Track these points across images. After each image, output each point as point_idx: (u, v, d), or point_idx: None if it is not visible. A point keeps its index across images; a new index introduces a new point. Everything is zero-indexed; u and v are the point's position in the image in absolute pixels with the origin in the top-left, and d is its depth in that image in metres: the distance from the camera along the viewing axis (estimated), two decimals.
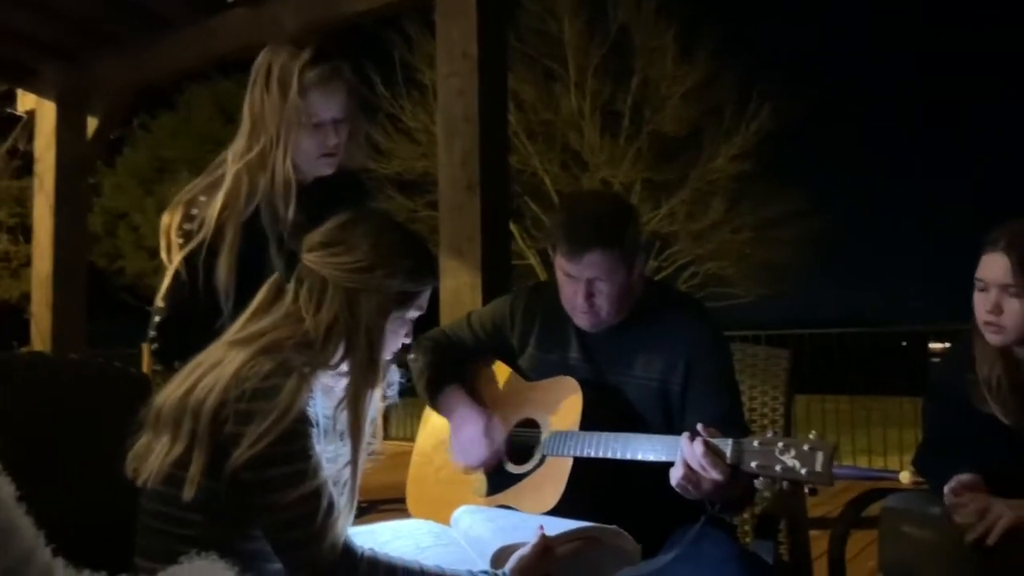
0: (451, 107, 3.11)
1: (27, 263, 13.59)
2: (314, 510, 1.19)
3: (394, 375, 1.61)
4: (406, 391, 1.82)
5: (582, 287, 1.67)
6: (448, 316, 2.83)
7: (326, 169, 1.85)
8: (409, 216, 17.33)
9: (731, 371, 1.75)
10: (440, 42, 3.18)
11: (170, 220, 1.80)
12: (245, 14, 3.79)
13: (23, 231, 12.76)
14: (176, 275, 1.74)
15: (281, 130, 1.76)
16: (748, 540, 1.94)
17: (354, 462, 1.32)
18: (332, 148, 1.81)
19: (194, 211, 1.79)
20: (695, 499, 1.46)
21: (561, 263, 1.69)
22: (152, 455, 1.26)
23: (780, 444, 1.38)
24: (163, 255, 1.81)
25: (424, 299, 1.44)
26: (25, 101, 4.92)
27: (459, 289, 3.04)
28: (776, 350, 2.11)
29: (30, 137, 5.06)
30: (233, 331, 1.35)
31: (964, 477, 1.62)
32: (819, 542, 1.93)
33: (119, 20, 4.20)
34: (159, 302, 1.77)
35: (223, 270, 1.72)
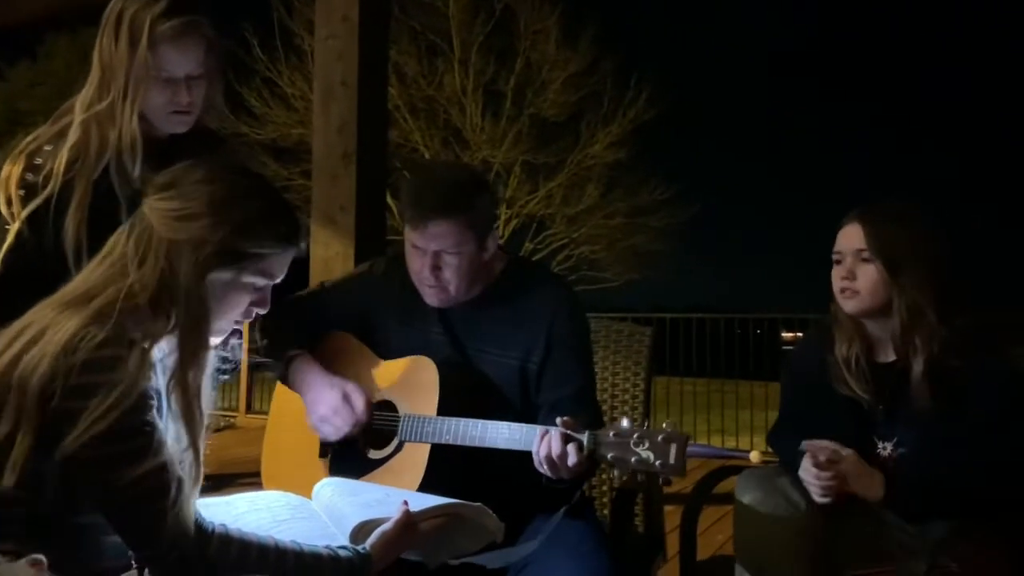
0: (329, 71, 3.02)
1: None
2: (158, 488, 1.12)
3: (235, 348, 1.53)
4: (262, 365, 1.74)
5: (428, 259, 1.62)
6: None
7: (179, 127, 1.74)
8: (283, 185, 16.82)
9: (588, 350, 1.76)
10: (319, 3, 3.08)
11: (10, 170, 1.66)
12: None
13: None
14: (19, 233, 1.61)
15: (129, 83, 1.64)
16: (606, 512, 2.00)
17: (193, 444, 1.21)
18: (185, 106, 1.70)
19: (38, 160, 1.66)
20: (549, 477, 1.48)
21: (408, 234, 1.64)
22: None
23: (635, 436, 1.41)
24: (2, 209, 1.67)
25: (273, 265, 1.30)
26: None
27: (330, 259, 2.98)
28: (639, 327, 2.15)
29: None
30: (66, 289, 1.24)
31: (819, 441, 1.69)
32: (673, 516, 2.00)
33: None
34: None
35: (71, 229, 1.60)
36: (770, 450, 1.92)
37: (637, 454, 1.40)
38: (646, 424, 1.47)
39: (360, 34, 2.95)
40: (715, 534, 3.32)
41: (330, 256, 2.99)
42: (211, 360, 1.30)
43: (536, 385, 1.68)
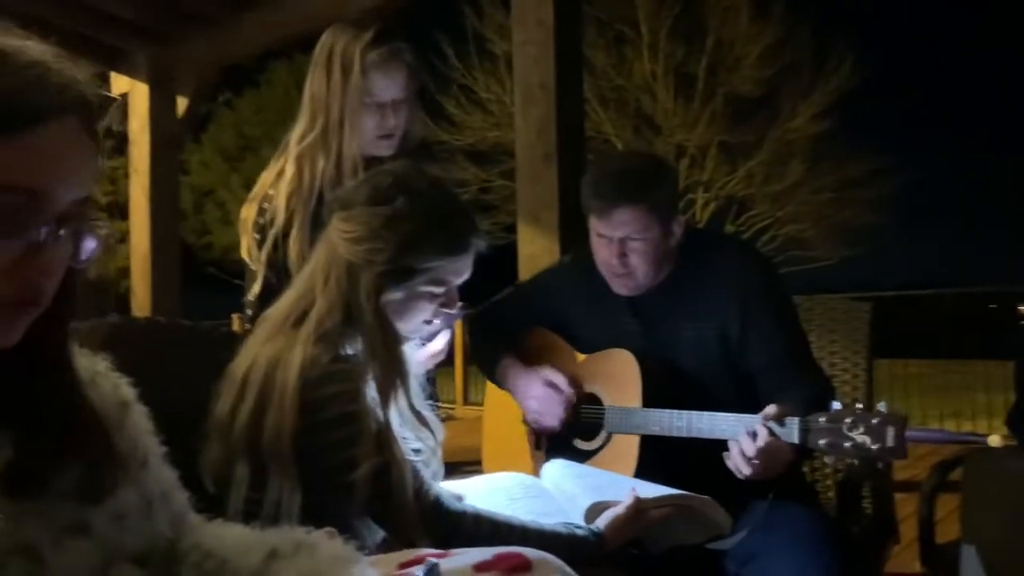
0: (527, 75, 3.12)
1: (121, 240, 14.21)
2: (399, 481, 1.22)
3: (439, 343, 1.62)
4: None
5: (615, 247, 1.63)
6: None
7: (385, 151, 1.85)
8: (482, 186, 17.43)
9: (787, 304, 1.71)
10: (515, 10, 3.18)
11: (247, 215, 1.87)
12: None
13: (116, 209, 13.31)
14: (265, 280, 1.79)
15: (345, 111, 1.78)
16: (830, 495, 1.94)
17: (425, 439, 1.33)
18: (391, 129, 1.83)
19: (265, 205, 1.84)
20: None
21: (593, 223, 1.66)
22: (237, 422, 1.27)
23: (848, 420, 1.36)
24: (243, 254, 1.86)
25: (445, 273, 1.34)
26: (119, 83, 5.12)
27: (536, 256, 3.08)
28: (857, 304, 2.04)
29: (122, 117, 5.27)
30: (277, 311, 1.36)
31: None
32: (905, 504, 1.92)
33: (206, 1, 4.33)
34: (251, 301, 1.82)
35: (292, 256, 1.76)
36: (1010, 433, 1.79)
37: (852, 439, 1.36)
38: (859, 407, 1.42)
39: (555, 37, 3.03)
40: (952, 523, 3.10)
41: (536, 252, 3.09)
42: (414, 362, 1.38)
43: (741, 351, 1.64)
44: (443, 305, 1.38)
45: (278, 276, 1.77)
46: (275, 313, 1.37)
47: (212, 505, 1.06)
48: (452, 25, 16.92)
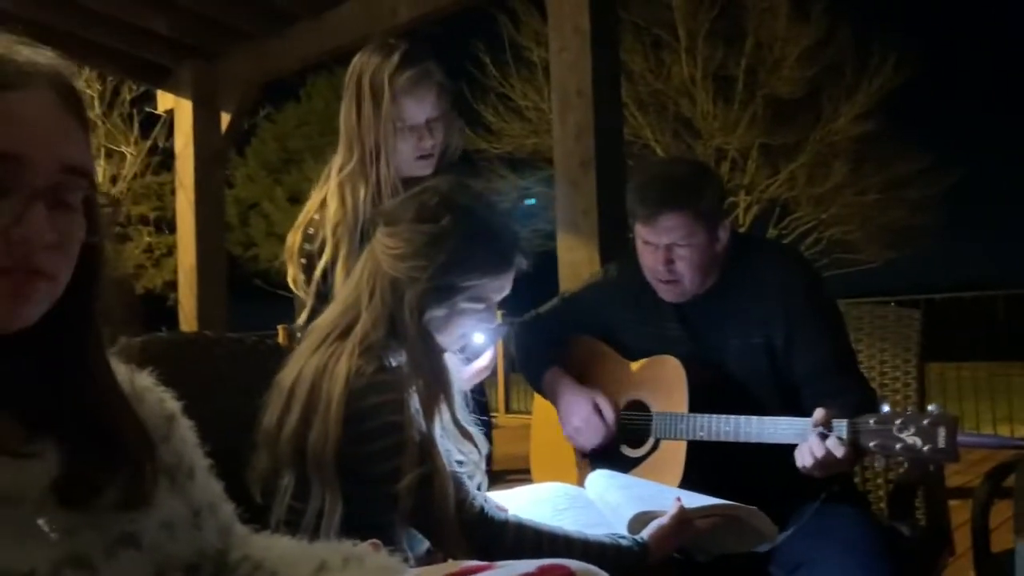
0: (564, 82, 3.13)
1: (168, 253, 14.52)
2: (441, 492, 1.22)
3: (485, 359, 1.62)
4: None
5: (661, 253, 1.63)
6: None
7: (425, 170, 1.86)
8: (521, 194, 17.47)
9: (833, 311, 1.69)
10: (551, 17, 3.20)
11: (292, 242, 1.89)
12: (361, 5, 3.92)
13: (164, 223, 13.60)
14: (312, 309, 1.80)
15: (380, 138, 1.80)
16: (882, 506, 1.91)
17: (469, 451, 1.33)
18: (428, 149, 1.84)
19: (311, 231, 1.86)
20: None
21: (639, 230, 1.66)
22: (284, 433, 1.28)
23: (899, 421, 1.35)
24: (290, 282, 1.88)
25: (486, 291, 1.35)
26: (164, 101, 5.24)
27: (577, 263, 3.08)
28: (906, 310, 2.02)
29: (168, 134, 5.38)
30: (323, 323, 1.37)
31: None
32: (959, 511, 1.87)
33: (247, 18, 4.42)
34: (300, 325, 1.84)
35: (339, 282, 1.76)
36: None
37: (902, 440, 1.34)
38: (909, 409, 1.39)
39: (592, 44, 3.03)
40: (1007, 531, 3.02)
41: (576, 260, 3.09)
42: (458, 375, 1.39)
43: (786, 359, 1.63)
44: (483, 320, 1.39)
45: (323, 303, 1.79)
46: (321, 324, 1.38)
47: (259, 516, 1.07)
48: (489, 34, 17.04)
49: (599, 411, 1.71)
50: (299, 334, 1.86)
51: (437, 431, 1.30)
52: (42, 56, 0.76)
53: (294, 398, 1.29)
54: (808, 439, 1.42)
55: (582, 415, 1.72)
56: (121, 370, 0.85)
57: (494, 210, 1.42)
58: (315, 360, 1.30)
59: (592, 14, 3.03)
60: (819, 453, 1.39)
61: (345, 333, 1.32)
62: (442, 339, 1.36)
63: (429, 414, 1.29)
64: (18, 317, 0.72)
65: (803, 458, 1.43)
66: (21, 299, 0.71)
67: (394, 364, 1.30)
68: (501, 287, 1.38)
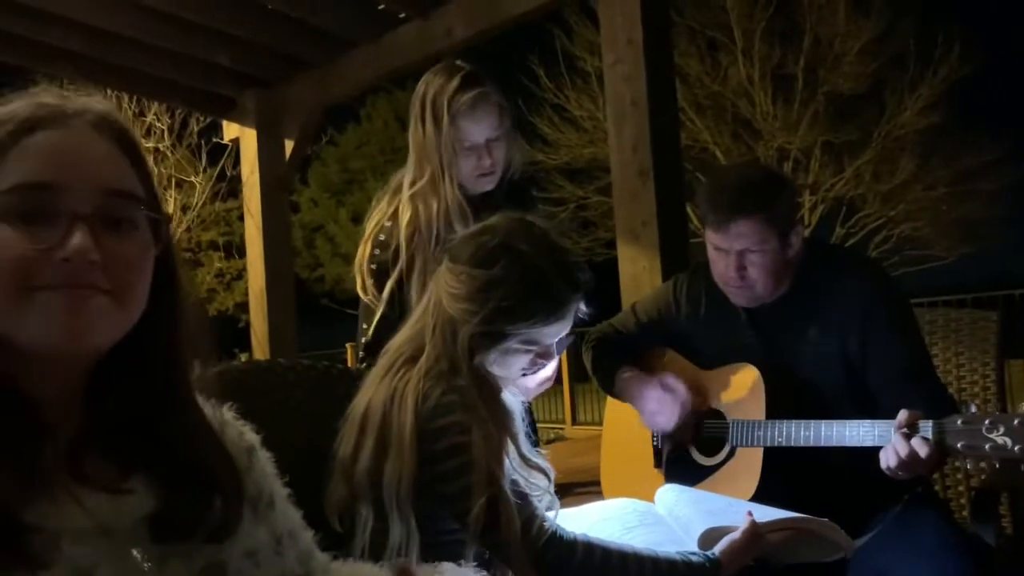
0: (619, 94, 3.14)
1: (237, 277, 14.90)
2: (507, 513, 1.23)
3: (548, 370, 1.61)
4: (586, 377, 1.85)
5: (733, 260, 1.63)
6: (629, 302, 2.86)
7: (487, 186, 1.95)
8: (579, 203, 17.44)
9: (909, 319, 1.66)
10: (604, 30, 3.21)
11: (362, 254, 1.96)
12: (417, 27, 3.99)
13: (233, 248, 13.97)
14: (383, 315, 1.89)
15: (443, 158, 1.88)
16: (964, 514, 1.86)
17: (539, 480, 1.34)
18: (488, 168, 1.92)
19: (382, 237, 1.94)
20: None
21: (710, 236, 1.66)
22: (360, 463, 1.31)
23: (987, 421, 1.32)
24: (359, 291, 1.95)
25: (538, 337, 1.34)
26: (230, 130, 5.41)
27: (638, 275, 3.07)
28: (983, 312, 1.98)
29: (235, 162, 5.54)
30: (401, 334, 1.41)
31: None
32: None
33: (307, 47, 4.53)
34: (368, 332, 1.91)
35: (414, 297, 1.84)
36: None
37: (992, 440, 1.31)
38: (997, 410, 1.36)
39: (645, 54, 3.03)
40: None
41: (637, 271, 3.08)
42: (516, 410, 1.39)
43: (861, 367, 1.61)
44: (540, 356, 1.39)
45: (400, 312, 1.85)
46: (392, 347, 1.41)
47: (338, 543, 1.09)
48: (542, 47, 17.07)
49: (669, 388, 1.73)
50: (361, 352, 1.91)
51: (506, 464, 1.31)
52: (94, 102, 0.81)
53: (367, 429, 1.31)
54: (892, 440, 1.40)
55: (654, 397, 1.74)
56: (203, 403, 0.88)
57: (553, 252, 1.37)
58: (384, 388, 1.33)
59: (644, 24, 3.03)
60: (903, 452, 1.37)
61: (411, 360, 1.35)
62: (499, 376, 1.38)
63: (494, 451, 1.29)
64: (81, 332, 0.75)
65: (887, 459, 1.41)
66: (75, 312, 0.74)
67: (462, 383, 1.32)
68: (555, 332, 1.37)
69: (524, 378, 1.49)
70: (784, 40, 16.76)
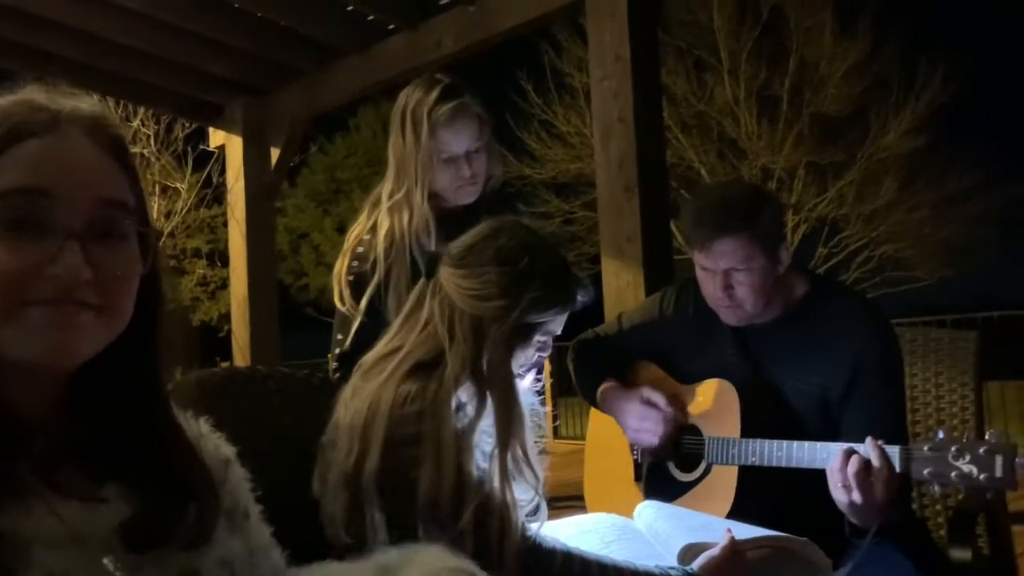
0: (605, 110, 3.15)
1: (222, 286, 14.82)
2: (494, 522, 1.24)
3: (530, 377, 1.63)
4: (569, 391, 1.86)
5: (720, 280, 1.61)
6: (612, 316, 2.87)
7: (468, 198, 1.95)
8: (566, 218, 17.49)
9: (898, 381, 1.63)
10: (592, 46, 3.22)
11: (340, 265, 1.96)
12: (407, 38, 4.00)
13: (217, 256, 13.90)
14: (362, 325, 1.87)
15: (419, 170, 1.88)
16: (942, 533, 1.86)
17: (534, 488, 1.33)
18: (468, 179, 1.91)
19: (360, 249, 1.93)
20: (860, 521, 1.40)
21: (696, 257, 1.64)
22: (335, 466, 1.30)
23: (954, 448, 1.32)
24: (336, 302, 1.95)
25: (555, 326, 1.40)
26: (216, 137, 5.39)
27: (622, 289, 3.08)
28: (962, 333, 1.97)
29: (222, 169, 5.51)
30: (385, 344, 1.40)
31: None
32: (1022, 539, 1.82)
33: (296, 56, 4.53)
34: (346, 343, 1.89)
35: (393, 307, 1.83)
36: None
37: (957, 468, 1.31)
38: (965, 436, 1.36)
39: (633, 71, 3.05)
40: None
41: (621, 286, 3.09)
42: (528, 415, 1.38)
43: (839, 412, 1.59)
44: (540, 350, 1.43)
45: (374, 320, 1.83)
46: (380, 356, 1.40)
47: (315, 548, 1.08)
48: (531, 62, 17.16)
49: (651, 403, 1.72)
50: (335, 363, 1.90)
51: (509, 463, 1.31)
52: (84, 103, 0.80)
53: (370, 435, 1.29)
54: (858, 455, 1.38)
55: (636, 413, 1.73)
56: (179, 414, 0.88)
57: (557, 247, 1.46)
58: (387, 393, 1.31)
59: (632, 42, 3.05)
60: (864, 467, 1.35)
61: (424, 367, 1.33)
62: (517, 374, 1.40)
63: (504, 450, 1.30)
64: (68, 349, 0.74)
65: (836, 481, 1.39)
66: (64, 328, 0.73)
67: (463, 399, 1.31)
68: (563, 322, 1.43)
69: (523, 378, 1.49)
70: (770, 61, 16.94)
